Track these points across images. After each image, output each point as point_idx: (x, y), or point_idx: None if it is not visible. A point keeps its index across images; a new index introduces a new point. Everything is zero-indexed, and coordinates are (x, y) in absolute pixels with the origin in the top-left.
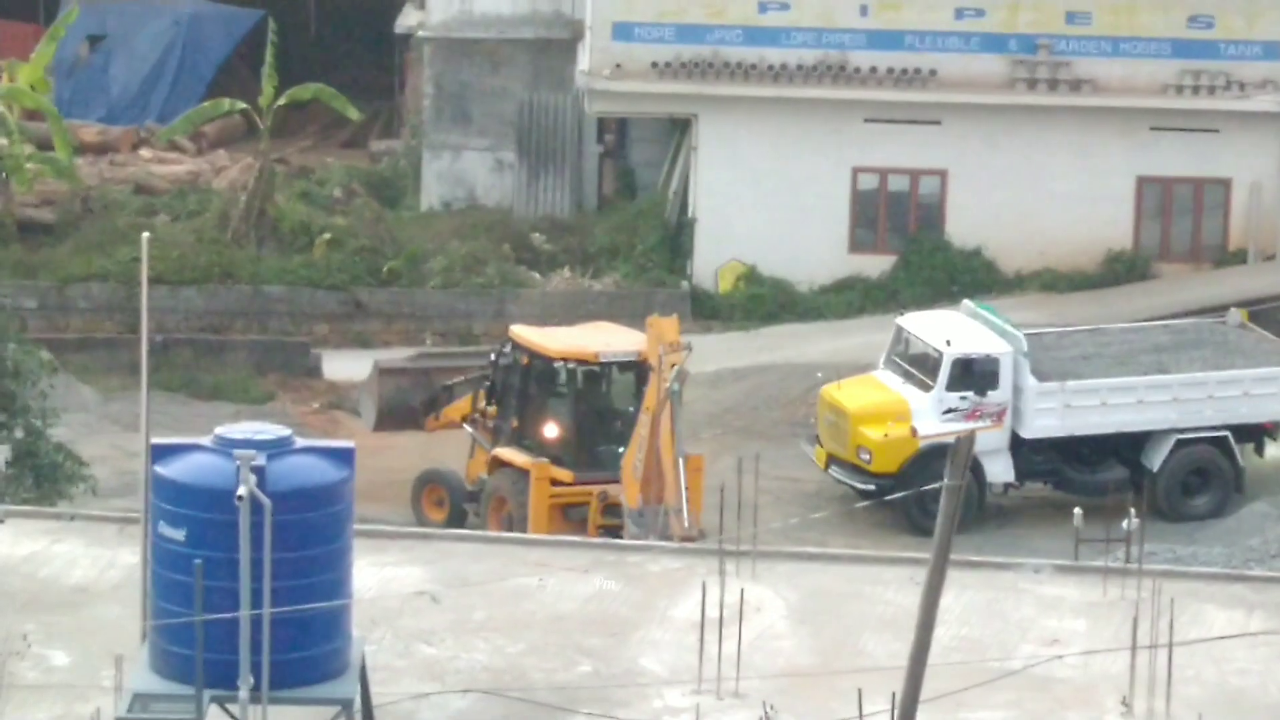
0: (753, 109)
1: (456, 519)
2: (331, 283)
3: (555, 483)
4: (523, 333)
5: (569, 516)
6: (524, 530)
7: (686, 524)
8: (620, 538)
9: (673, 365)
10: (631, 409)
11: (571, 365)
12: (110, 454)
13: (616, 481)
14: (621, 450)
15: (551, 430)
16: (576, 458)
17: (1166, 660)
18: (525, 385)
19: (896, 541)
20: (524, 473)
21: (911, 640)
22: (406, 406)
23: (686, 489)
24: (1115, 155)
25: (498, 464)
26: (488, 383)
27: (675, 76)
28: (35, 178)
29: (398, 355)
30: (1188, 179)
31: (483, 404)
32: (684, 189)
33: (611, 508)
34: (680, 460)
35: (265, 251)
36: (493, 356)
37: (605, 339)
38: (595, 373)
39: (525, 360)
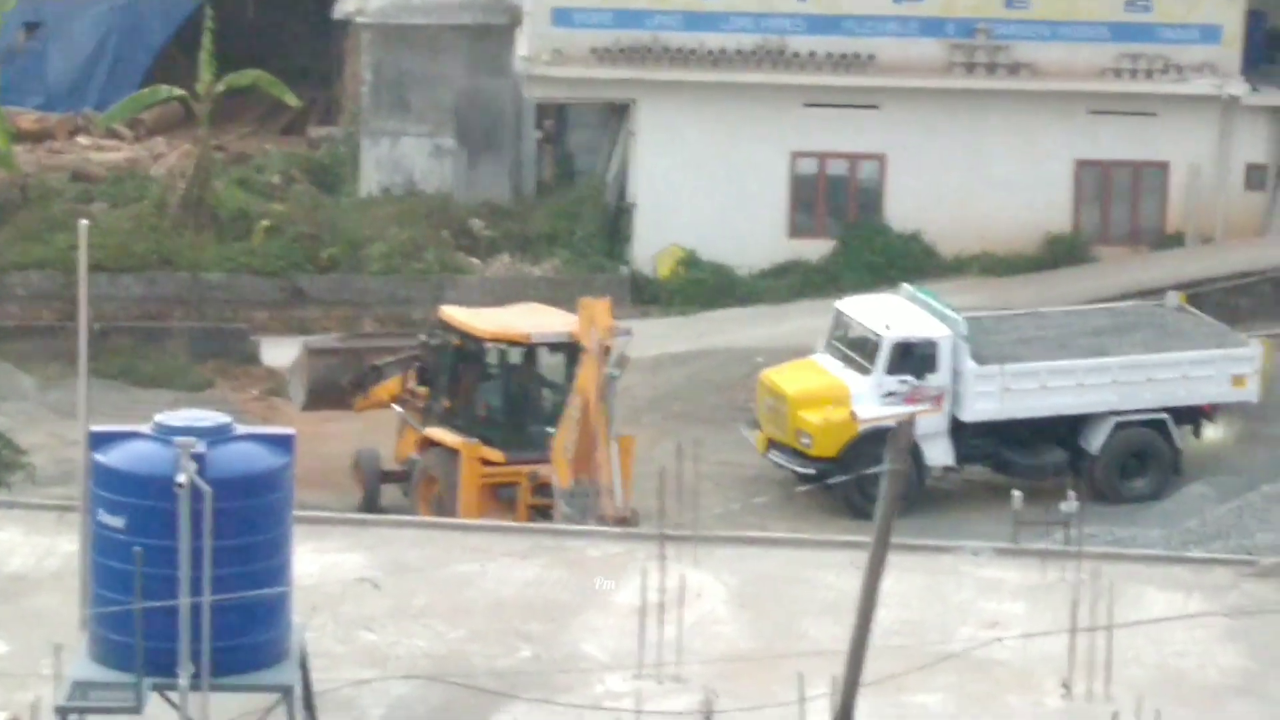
0: (692, 94)
1: (371, 499)
2: (270, 269)
3: (486, 462)
4: (454, 314)
5: (499, 496)
6: (453, 509)
7: (619, 504)
8: (550, 518)
9: (607, 349)
10: (562, 390)
11: (502, 346)
12: (49, 442)
13: (547, 462)
14: (552, 430)
15: (482, 411)
16: (507, 438)
17: (1106, 642)
18: (456, 366)
19: (836, 525)
20: (454, 453)
21: (852, 624)
22: (335, 387)
23: (619, 470)
24: (1054, 139)
25: (428, 444)
26: (418, 364)
27: (614, 62)
28: None
29: (327, 336)
30: (1126, 162)
31: (413, 385)
32: (623, 174)
33: (542, 488)
34: (612, 441)
35: (204, 238)
36: (423, 338)
37: (536, 320)
38: (526, 353)
39: (456, 341)
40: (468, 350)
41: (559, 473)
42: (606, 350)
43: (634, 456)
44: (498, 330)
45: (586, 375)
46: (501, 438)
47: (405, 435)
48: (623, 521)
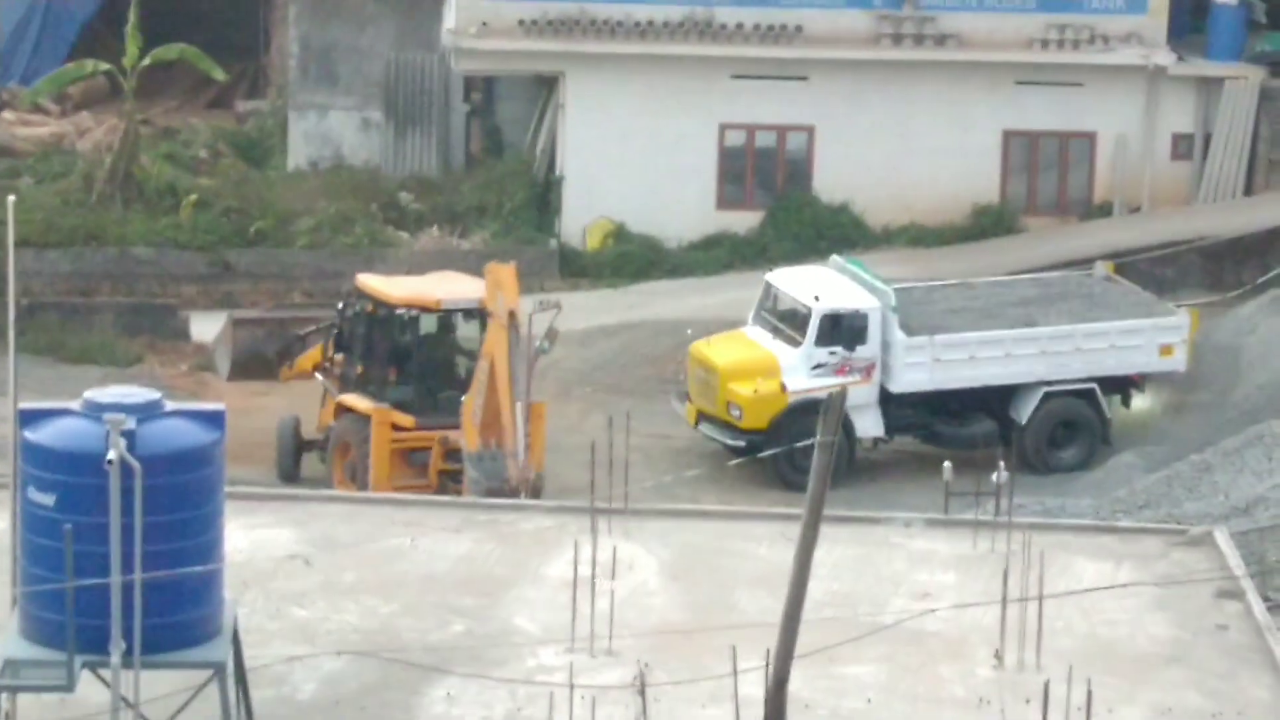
0: (620, 66)
1: (288, 466)
2: (198, 244)
3: (397, 428)
4: (369, 281)
5: (411, 461)
6: (366, 476)
7: (521, 468)
8: (460, 483)
9: (513, 314)
10: (475, 356)
11: (414, 312)
12: None
13: (458, 427)
14: (464, 396)
15: (393, 377)
16: (419, 403)
17: (1037, 612)
18: (370, 333)
19: (767, 497)
20: (367, 419)
21: (784, 596)
22: (260, 357)
23: (527, 435)
24: (981, 110)
25: (342, 410)
26: (335, 331)
27: (542, 34)
28: None
29: (252, 310)
30: (1053, 133)
31: (331, 352)
32: (551, 147)
33: (453, 453)
34: (520, 406)
35: (131, 213)
36: (340, 306)
37: (449, 287)
38: (437, 320)
39: (370, 308)
40: (380, 317)
41: (466, 437)
42: (512, 315)
43: (545, 422)
44: (409, 296)
45: (492, 340)
46: (413, 403)
47: (326, 404)
48: (525, 486)
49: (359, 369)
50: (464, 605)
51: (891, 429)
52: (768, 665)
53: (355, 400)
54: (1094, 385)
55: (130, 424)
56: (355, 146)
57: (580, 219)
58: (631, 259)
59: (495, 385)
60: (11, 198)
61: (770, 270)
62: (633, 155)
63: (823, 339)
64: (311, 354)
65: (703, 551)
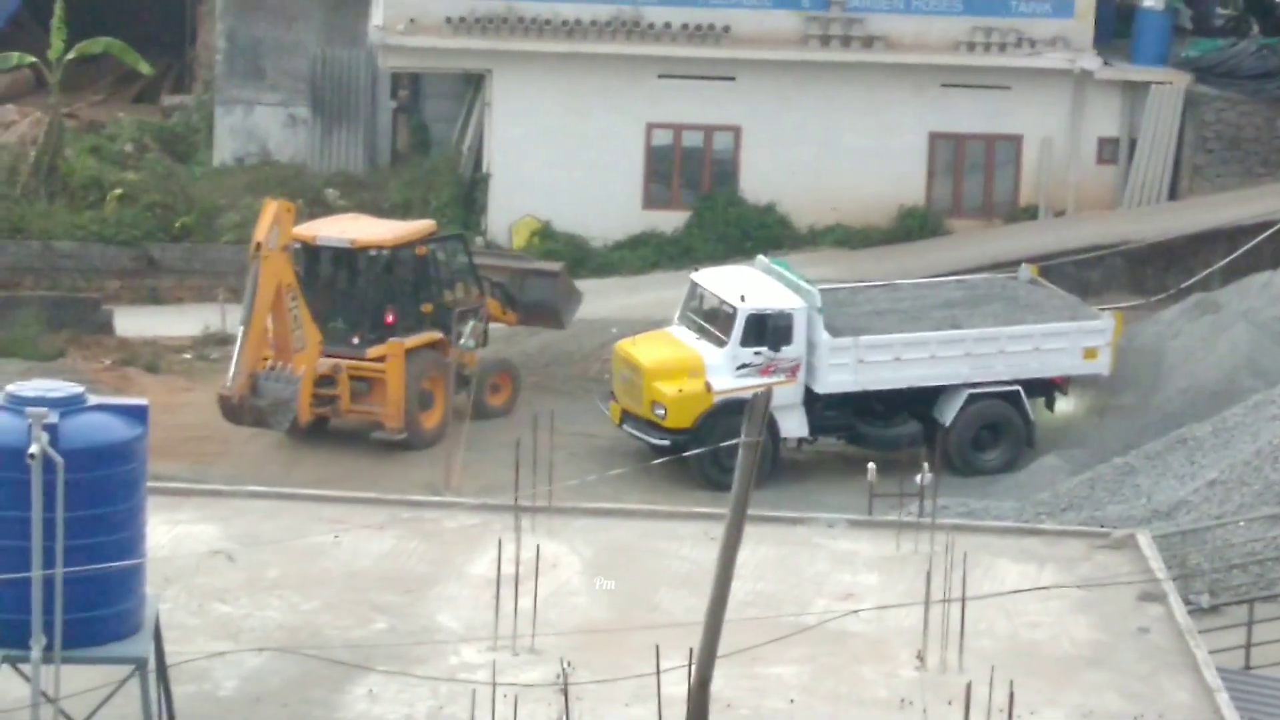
0: (547, 65)
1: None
2: (123, 238)
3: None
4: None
5: None
6: None
7: (228, 384)
8: (325, 406)
9: (286, 248)
10: (343, 292)
11: (297, 247)
12: None
13: (344, 356)
14: (341, 327)
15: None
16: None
17: (959, 614)
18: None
19: (691, 497)
20: None
21: (707, 595)
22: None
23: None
24: (907, 112)
25: None
26: None
27: (469, 32)
28: None
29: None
30: (979, 135)
31: None
32: (478, 144)
33: (324, 379)
34: (244, 332)
35: (55, 207)
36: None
37: (340, 226)
38: (314, 254)
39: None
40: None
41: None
42: (285, 249)
43: (313, 372)
44: (300, 233)
45: (263, 272)
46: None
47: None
48: (223, 400)
49: None
50: (387, 602)
51: (816, 429)
52: (690, 664)
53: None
54: (1018, 388)
55: (53, 418)
56: (281, 142)
57: (506, 217)
58: (557, 257)
59: (282, 312)
60: None
61: (696, 270)
62: (559, 154)
63: (748, 339)
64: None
65: (626, 550)
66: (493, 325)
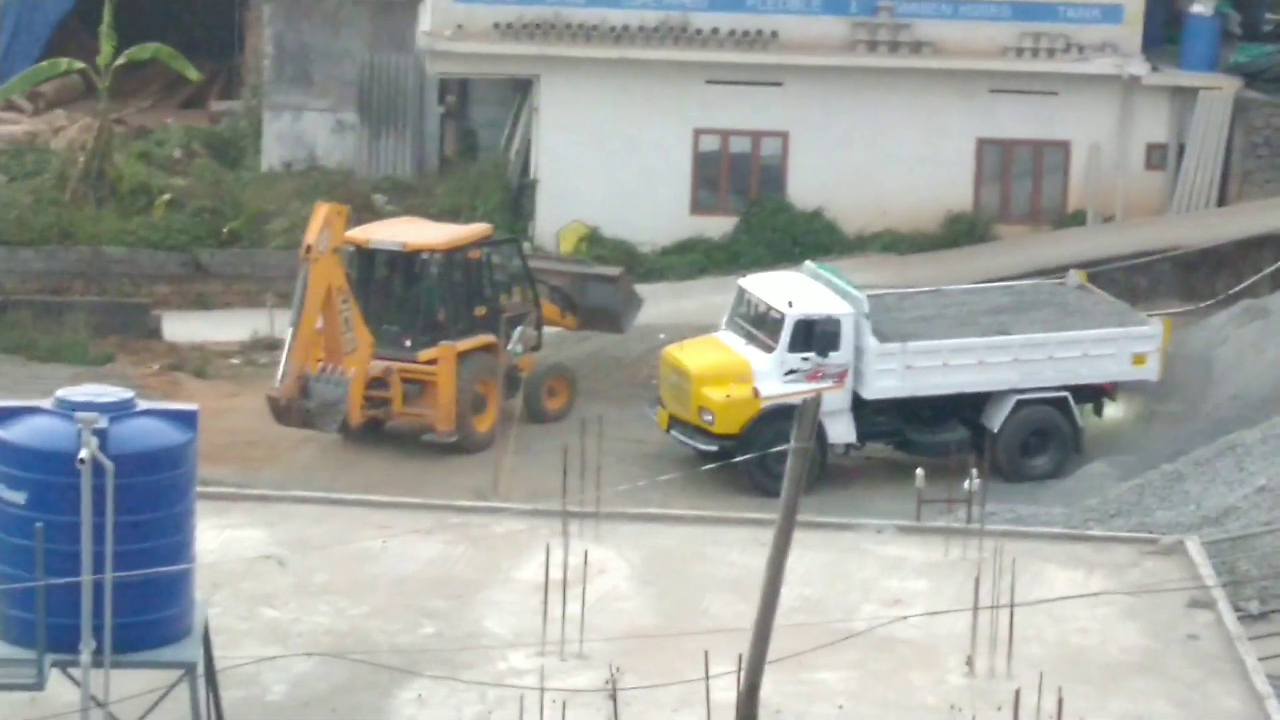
0: (594, 70)
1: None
2: (171, 244)
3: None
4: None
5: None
6: None
7: (276, 385)
8: (378, 409)
9: (336, 252)
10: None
11: (350, 250)
12: None
13: (397, 359)
14: (394, 330)
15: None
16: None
17: (1008, 620)
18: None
19: (739, 502)
20: None
21: (755, 601)
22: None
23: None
24: (955, 117)
25: None
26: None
27: (516, 37)
28: None
29: None
30: (1027, 141)
31: None
32: (526, 150)
33: (376, 381)
34: (294, 333)
35: (104, 212)
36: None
37: (393, 230)
38: (368, 258)
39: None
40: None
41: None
42: (336, 251)
43: (364, 374)
44: (353, 235)
45: (313, 274)
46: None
47: None
48: (272, 401)
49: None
50: (434, 607)
51: (864, 435)
52: (739, 670)
53: None
54: (1066, 394)
55: (103, 423)
56: (329, 148)
57: (554, 223)
58: (604, 263)
59: (333, 314)
60: None
61: (744, 276)
62: (607, 159)
63: (796, 345)
64: None
65: (674, 556)
66: (546, 329)
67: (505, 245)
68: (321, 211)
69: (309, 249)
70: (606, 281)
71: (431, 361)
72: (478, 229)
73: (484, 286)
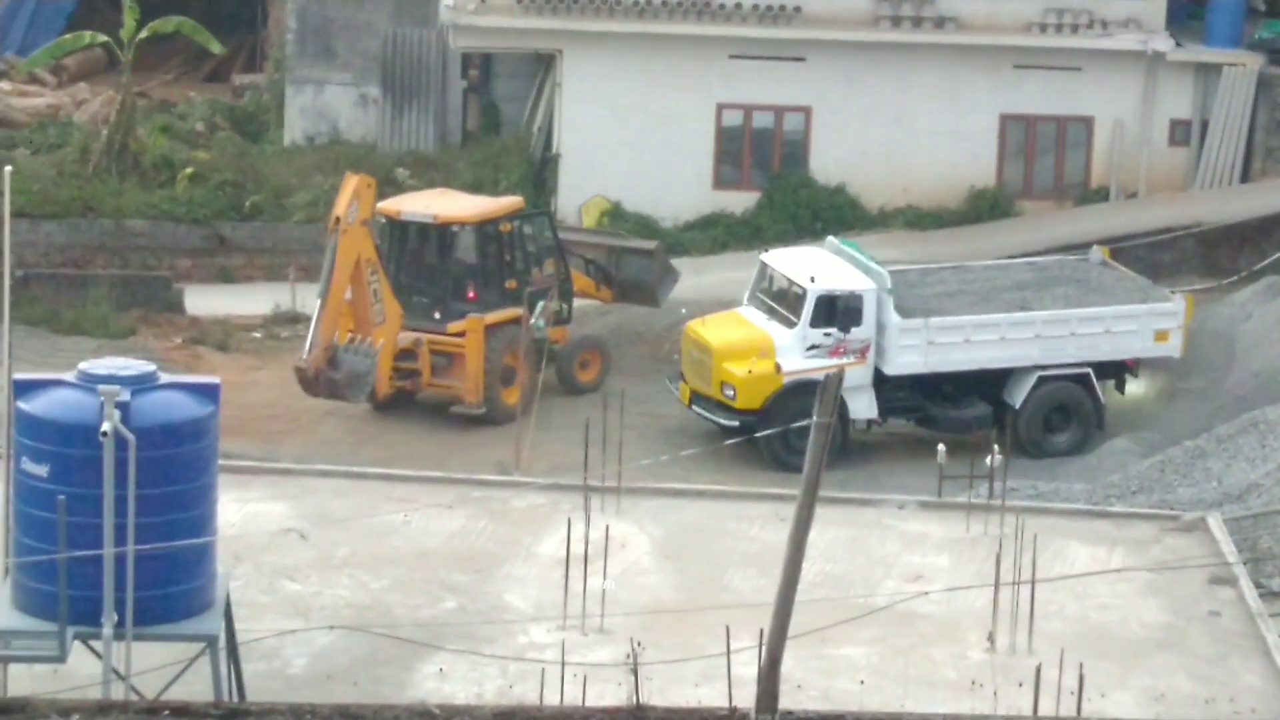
0: (617, 45)
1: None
2: (194, 217)
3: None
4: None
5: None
6: None
7: (303, 356)
8: (406, 380)
9: (365, 223)
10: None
11: (382, 220)
12: None
13: (426, 330)
14: (424, 301)
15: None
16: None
17: (1029, 596)
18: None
19: (760, 478)
20: None
21: (777, 576)
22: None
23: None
24: (979, 93)
25: None
26: None
27: (540, 12)
28: None
29: None
30: (1051, 117)
31: None
32: (548, 124)
33: (405, 353)
34: (322, 304)
35: (127, 185)
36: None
37: (425, 202)
38: (399, 229)
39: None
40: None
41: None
42: (365, 223)
43: (392, 345)
44: (384, 207)
45: (341, 246)
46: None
47: None
48: (299, 372)
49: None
50: (456, 581)
51: (885, 411)
52: (760, 645)
53: None
54: (1088, 370)
55: (125, 396)
56: (352, 122)
57: (576, 197)
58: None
59: (361, 285)
60: (8, 168)
61: (766, 251)
62: (629, 134)
63: (818, 320)
64: None
65: (695, 530)
66: (577, 302)
67: (537, 218)
68: (351, 183)
69: (338, 220)
70: (642, 255)
71: (460, 334)
72: (509, 202)
73: (515, 259)
